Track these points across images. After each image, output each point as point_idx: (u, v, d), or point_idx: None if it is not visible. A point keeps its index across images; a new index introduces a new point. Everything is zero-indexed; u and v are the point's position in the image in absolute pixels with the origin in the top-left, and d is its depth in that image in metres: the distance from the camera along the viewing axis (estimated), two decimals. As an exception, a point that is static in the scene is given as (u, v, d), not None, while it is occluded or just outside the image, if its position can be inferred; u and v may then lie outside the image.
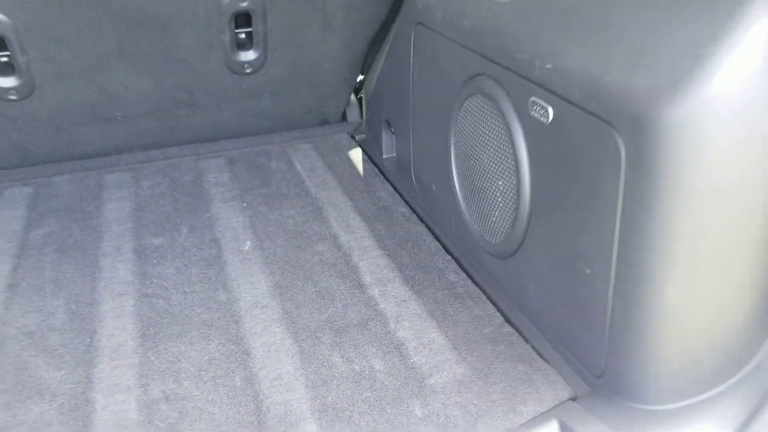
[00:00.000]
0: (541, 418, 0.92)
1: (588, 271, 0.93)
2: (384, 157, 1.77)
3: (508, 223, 1.14)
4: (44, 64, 1.65)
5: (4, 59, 1.63)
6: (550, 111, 0.97)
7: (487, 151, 1.18)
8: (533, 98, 1.01)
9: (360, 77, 2.16)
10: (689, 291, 0.83)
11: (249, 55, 1.82)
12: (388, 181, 1.69)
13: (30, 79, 1.66)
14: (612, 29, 0.89)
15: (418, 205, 1.54)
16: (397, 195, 1.62)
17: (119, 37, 1.66)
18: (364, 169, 1.79)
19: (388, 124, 1.73)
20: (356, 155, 1.87)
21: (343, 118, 2.11)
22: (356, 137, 1.97)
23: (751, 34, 0.74)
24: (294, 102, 1.97)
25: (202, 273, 1.33)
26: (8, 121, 1.73)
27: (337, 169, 1.76)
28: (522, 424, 0.92)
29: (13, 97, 1.68)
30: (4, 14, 1.54)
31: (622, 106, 0.82)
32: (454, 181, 1.33)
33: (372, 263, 1.33)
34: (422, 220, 1.49)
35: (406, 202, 1.58)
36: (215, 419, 0.97)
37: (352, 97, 2.14)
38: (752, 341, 0.86)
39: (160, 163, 1.81)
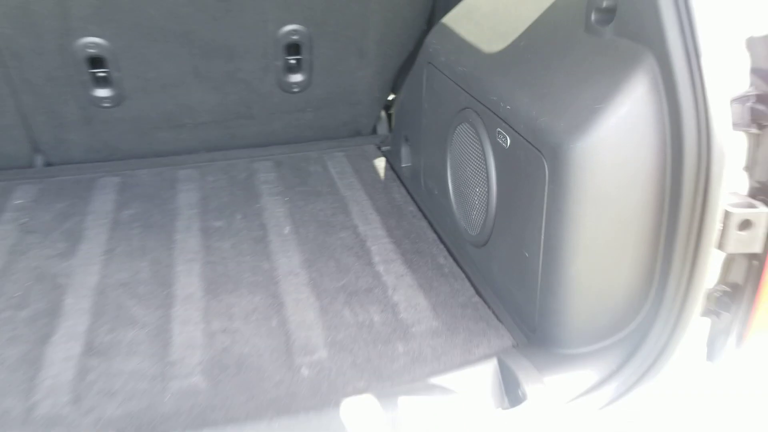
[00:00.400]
0: (487, 357, 1.29)
1: (527, 255, 1.30)
2: (402, 165, 2.15)
3: (482, 220, 1.51)
4: (133, 80, 2.08)
5: (103, 74, 2.07)
6: (508, 139, 1.34)
7: (469, 166, 1.55)
8: (498, 129, 1.38)
9: (391, 96, 2.55)
10: (589, 269, 1.19)
11: (297, 78, 2.23)
12: (403, 185, 2.07)
13: (121, 92, 2.09)
14: (547, 85, 1.26)
15: (425, 206, 1.92)
16: (408, 197, 2.00)
17: (194, 62, 2.09)
18: (385, 174, 2.18)
19: (407, 139, 2.11)
20: (380, 163, 2.26)
21: (374, 131, 2.50)
22: (382, 148, 2.35)
23: (630, 96, 1.10)
24: (332, 117, 2.37)
25: (251, 248, 1.73)
26: (102, 124, 2.17)
27: (363, 174, 2.15)
28: (473, 360, 1.29)
29: (107, 105, 2.12)
30: (105, 39, 1.98)
31: (547, 140, 1.19)
32: (449, 187, 1.70)
33: (381, 248, 1.72)
34: (426, 217, 1.87)
35: (415, 203, 1.96)
36: (257, 346, 1.37)
37: (383, 113, 2.53)
38: (634, 307, 1.21)
39: (221, 162, 2.23)
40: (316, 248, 1.72)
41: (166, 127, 2.21)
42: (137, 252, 1.72)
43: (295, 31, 2.09)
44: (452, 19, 1.80)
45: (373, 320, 1.44)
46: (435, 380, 1.23)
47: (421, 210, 1.92)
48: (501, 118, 1.37)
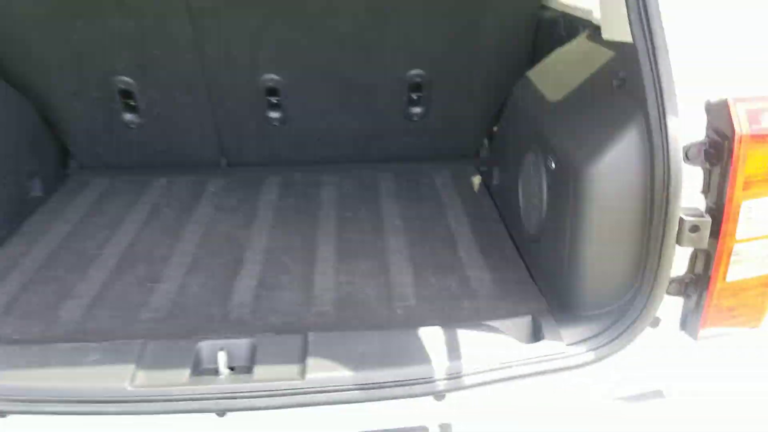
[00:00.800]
0: (525, 314, 1.84)
1: (559, 246, 1.85)
2: (493, 182, 2.73)
3: (537, 222, 2.07)
4: (297, 106, 2.81)
5: (275, 101, 2.82)
6: (553, 164, 1.90)
7: (532, 183, 2.12)
8: (549, 156, 1.94)
9: (495, 128, 3.14)
10: (595, 256, 1.73)
11: (417, 110, 2.87)
12: (492, 198, 2.66)
13: (287, 114, 2.83)
14: (579, 126, 1.81)
15: (503, 212, 2.49)
16: (494, 207, 2.58)
17: (342, 94, 2.79)
18: (479, 189, 2.77)
19: (497, 162, 2.70)
20: (477, 180, 2.85)
21: (476, 154, 3.10)
22: (480, 168, 2.95)
23: (626, 137, 1.64)
24: (443, 141, 3.00)
25: (370, 231, 2.38)
26: (270, 138, 2.92)
27: (462, 188, 2.76)
28: (515, 315, 1.85)
29: (275, 124, 2.86)
30: (281, 76, 2.71)
31: (572, 164, 1.75)
32: (519, 198, 2.27)
33: (465, 239, 2.31)
34: (503, 221, 2.45)
35: (498, 211, 2.53)
36: (368, 294, 2.00)
37: (485, 141, 3.12)
38: (625, 285, 1.71)
39: (354, 171, 2.91)
40: (417, 236, 2.35)
41: (316, 141, 2.93)
42: (293, 228, 2.42)
43: (418, 74, 2.74)
44: (533, 73, 2.37)
45: (450, 286, 2.04)
46: (487, 324, 1.80)
47: (501, 216, 2.49)
48: (551, 148, 1.93)
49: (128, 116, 2.78)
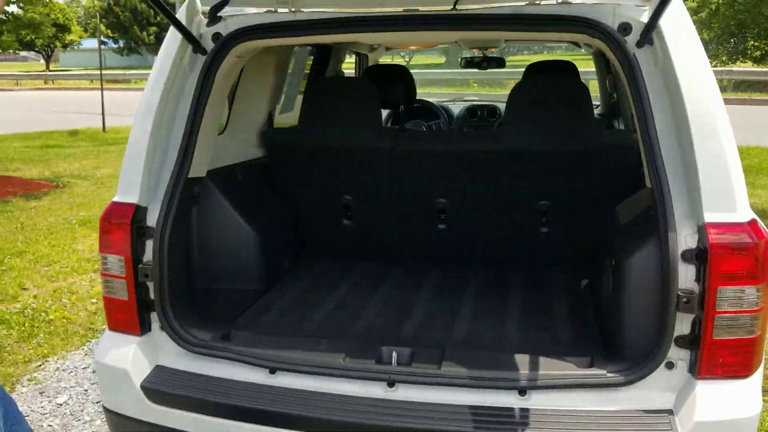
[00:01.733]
0: (585, 354, 2.82)
1: (610, 316, 2.84)
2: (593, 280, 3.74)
3: (605, 301, 3.07)
4: (457, 221, 4.05)
5: (443, 217, 4.08)
6: (614, 262, 2.93)
7: (603, 277, 3.13)
8: (613, 258, 2.97)
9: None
10: (632, 320, 2.71)
11: (544, 229, 3.99)
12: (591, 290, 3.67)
13: (450, 226, 4.07)
14: (626, 243, 2.86)
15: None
16: (590, 296, 3.59)
17: (491, 213, 3.99)
18: (584, 285, 3.79)
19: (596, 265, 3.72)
20: (585, 280, 3.87)
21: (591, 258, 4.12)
22: (590, 269, 3.97)
23: (647, 246, 2.66)
24: (563, 250, 4.06)
25: (497, 303, 3.49)
26: (436, 241, 4.17)
27: (571, 284, 3.80)
28: (579, 355, 2.83)
29: (442, 234, 4.11)
30: (447, 200, 3.99)
31: (622, 261, 2.78)
32: (600, 287, 3.27)
33: (564, 312, 3.34)
34: (593, 304, 3.44)
35: (591, 299, 3.54)
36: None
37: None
38: (649, 338, 2.65)
39: (494, 270, 4.05)
40: (530, 306, 3.41)
41: (470, 247, 4.14)
42: (446, 293, 3.61)
43: (545, 204, 3.89)
44: (619, 206, 3.43)
45: (544, 336, 3.06)
46: (563, 358, 2.80)
47: (591, 300, 3.49)
48: (614, 253, 2.96)
49: (345, 221, 4.19)
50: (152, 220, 2.92)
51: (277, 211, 4.01)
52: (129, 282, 2.89)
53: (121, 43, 62.98)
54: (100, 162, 14.73)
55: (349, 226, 4.19)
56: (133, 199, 2.92)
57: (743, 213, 2.51)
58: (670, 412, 2.57)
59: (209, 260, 3.34)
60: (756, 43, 33.04)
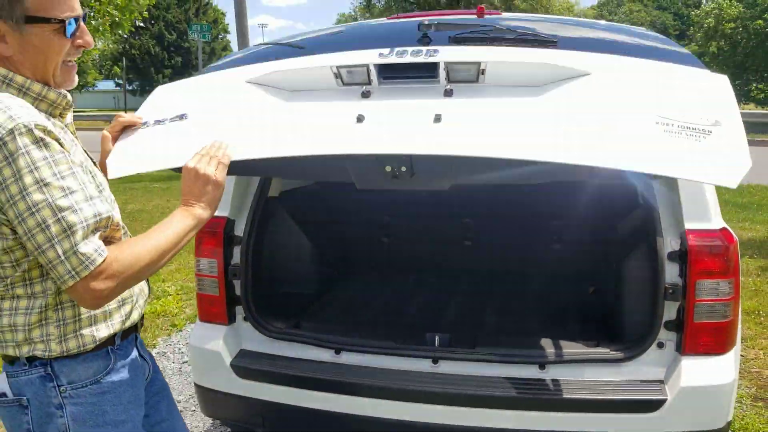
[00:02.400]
0: (592, 338, 3.46)
1: (615, 310, 3.50)
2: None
3: (612, 302, 3.73)
4: (482, 228, 4.74)
5: (469, 243, 4.77)
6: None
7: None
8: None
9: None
10: (629, 310, 3.37)
11: (557, 245, 4.66)
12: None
13: (478, 245, 4.75)
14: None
15: None
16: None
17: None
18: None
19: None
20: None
21: None
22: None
23: (641, 252, 3.33)
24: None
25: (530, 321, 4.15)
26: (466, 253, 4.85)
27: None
28: (587, 339, 3.47)
29: (468, 243, 4.79)
30: (471, 219, 4.68)
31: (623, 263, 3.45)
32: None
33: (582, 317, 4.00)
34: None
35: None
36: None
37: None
38: (643, 325, 3.29)
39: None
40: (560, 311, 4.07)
41: (492, 258, 4.82)
42: (486, 303, 4.27)
43: (558, 224, 4.58)
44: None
45: (562, 331, 3.70)
46: (575, 341, 3.44)
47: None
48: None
49: (384, 238, 4.88)
50: (239, 230, 3.61)
51: (329, 229, 4.70)
52: (221, 280, 3.57)
53: (136, 85, 64.78)
54: (128, 198, 15.46)
55: (386, 242, 4.89)
56: (224, 213, 3.61)
57: (716, 222, 3.19)
58: (661, 381, 3.20)
59: (278, 266, 4.02)
60: (760, 86, 34.12)
